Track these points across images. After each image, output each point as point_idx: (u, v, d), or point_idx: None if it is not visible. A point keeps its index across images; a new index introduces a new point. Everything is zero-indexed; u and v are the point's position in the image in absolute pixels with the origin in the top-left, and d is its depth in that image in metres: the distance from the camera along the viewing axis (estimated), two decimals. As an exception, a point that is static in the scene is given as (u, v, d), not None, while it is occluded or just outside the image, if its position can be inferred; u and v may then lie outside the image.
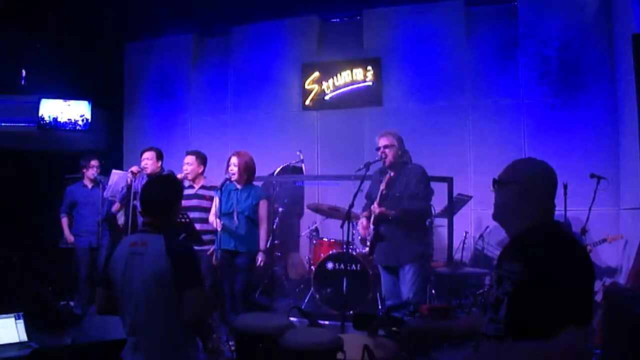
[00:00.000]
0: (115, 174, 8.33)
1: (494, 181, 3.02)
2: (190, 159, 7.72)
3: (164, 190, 3.94)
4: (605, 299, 5.47)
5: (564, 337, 2.47)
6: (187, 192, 7.60)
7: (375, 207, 6.24)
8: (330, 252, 8.40)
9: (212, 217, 7.33)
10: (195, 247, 6.15)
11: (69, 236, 8.70)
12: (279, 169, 9.93)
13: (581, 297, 2.55)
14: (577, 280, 2.55)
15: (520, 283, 2.68)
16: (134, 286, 3.62)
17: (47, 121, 10.64)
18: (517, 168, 2.99)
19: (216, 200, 7.28)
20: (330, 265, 8.26)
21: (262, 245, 7.23)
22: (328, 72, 10.71)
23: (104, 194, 8.29)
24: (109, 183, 8.24)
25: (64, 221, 8.76)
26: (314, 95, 10.78)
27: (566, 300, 2.52)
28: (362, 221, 6.53)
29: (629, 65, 7.38)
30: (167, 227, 3.85)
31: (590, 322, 2.62)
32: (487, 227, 8.97)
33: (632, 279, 6.55)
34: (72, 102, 10.83)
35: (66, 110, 10.77)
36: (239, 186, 7.26)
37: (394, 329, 3.49)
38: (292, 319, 4.75)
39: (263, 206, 7.30)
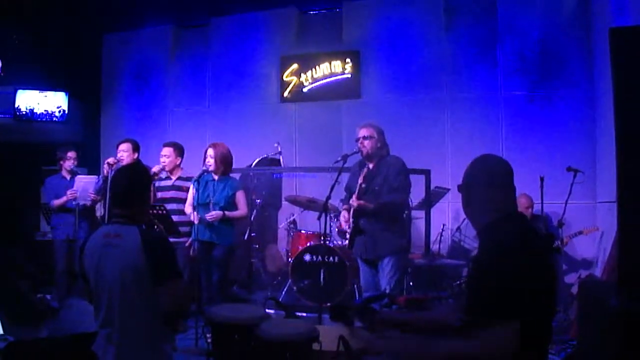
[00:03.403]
0: (81, 179, 8.23)
1: (458, 187, 3.16)
2: (167, 150, 7.70)
3: (131, 179, 3.85)
4: (581, 291, 5.50)
5: (484, 336, 2.55)
6: (164, 183, 7.61)
7: (354, 201, 6.24)
8: (308, 244, 8.42)
9: (188, 209, 7.32)
10: (172, 239, 6.15)
11: (67, 195, 8.38)
12: (256, 161, 9.91)
13: (513, 291, 2.58)
14: (508, 272, 2.60)
15: (473, 276, 2.77)
16: (108, 278, 3.57)
17: (24, 112, 10.58)
18: (465, 171, 3.12)
19: (192, 191, 7.28)
20: (307, 257, 8.26)
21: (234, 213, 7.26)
22: (307, 64, 10.72)
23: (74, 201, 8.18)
24: (75, 188, 8.13)
25: (58, 201, 8.48)
26: (293, 87, 10.79)
27: (494, 293, 2.58)
28: (344, 214, 6.53)
29: (606, 60, 7.42)
30: (141, 217, 3.81)
31: (520, 316, 2.61)
32: (464, 219, 8.99)
33: (607, 272, 6.59)
34: (48, 93, 10.79)
35: (43, 102, 10.71)
36: (215, 177, 7.25)
37: (366, 317, 3.50)
38: (269, 310, 4.75)
39: (240, 196, 7.29)
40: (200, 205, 7.05)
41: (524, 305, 2.58)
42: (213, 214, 6.97)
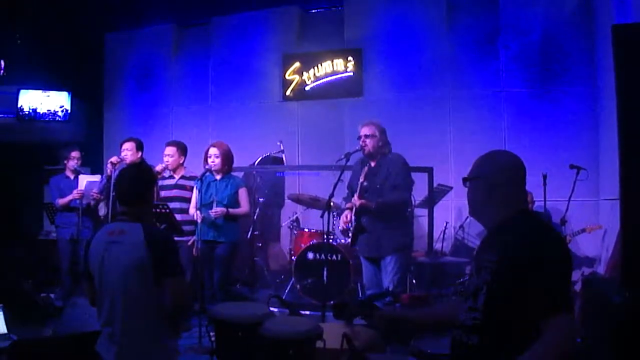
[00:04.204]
0: (84, 178, 8.26)
1: (464, 179, 3.07)
2: (171, 149, 7.69)
3: (135, 178, 3.88)
4: (584, 288, 5.50)
5: (554, 329, 2.49)
6: (167, 182, 7.61)
7: (355, 200, 6.25)
8: (311, 243, 8.43)
9: (192, 210, 7.34)
10: (176, 238, 6.16)
11: (76, 193, 8.43)
12: (259, 160, 9.94)
13: (559, 283, 2.56)
14: (551, 265, 2.56)
15: (497, 272, 2.70)
16: (111, 275, 3.58)
17: (26, 112, 10.57)
18: (482, 163, 3.02)
19: (195, 192, 7.30)
20: (310, 255, 8.27)
21: (237, 210, 7.30)
22: (309, 62, 10.71)
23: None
24: (79, 189, 8.16)
25: (63, 200, 8.49)
26: (295, 85, 10.78)
27: (544, 287, 2.53)
28: (346, 213, 6.53)
29: (609, 56, 7.40)
30: (144, 215, 3.82)
31: (573, 307, 2.62)
32: (467, 217, 8.98)
33: (610, 269, 6.58)
34: (51, 92, 10.78)
35: (45, 101, 10.71)
36: (218, 177, 7.27)
37: (367, 312, 3.49)
38: (272, 309, 4.75)
39: (242, 193, 7.33)
40: (204, 205, 7.07)
41: (556, 299, 2.55)
42: (217, 210, 7.00)
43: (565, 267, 2.64)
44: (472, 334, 2.78)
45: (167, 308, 3.57)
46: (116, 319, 3.56)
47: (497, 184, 2.89)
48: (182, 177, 7.68)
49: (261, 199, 9.64)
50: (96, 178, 8.32)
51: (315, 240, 8.49)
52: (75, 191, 8.13)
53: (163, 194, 7.58)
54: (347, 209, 6.56)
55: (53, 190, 8.52)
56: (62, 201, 8.28)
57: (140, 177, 3.89)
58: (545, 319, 2.50)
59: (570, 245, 8.40)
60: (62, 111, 10.81)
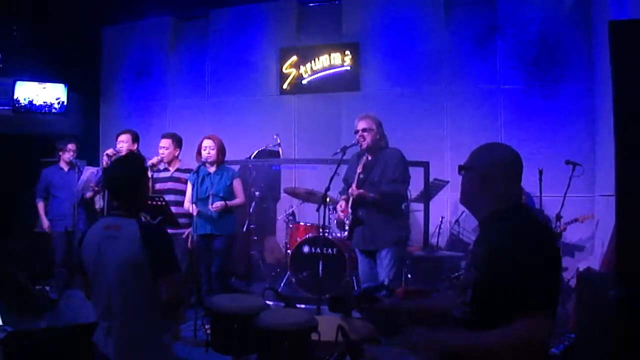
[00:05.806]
0: (88, 169, 8.30)
1: (459, 167, 3.05)
2: (166, 142, 7.70)
3: (124, 170, 3.81)
4: (579, 283, 5.51)
5: (510, 330, 2.51)
6: (162, 175, 7.64)
7: (353, 190, 6.23)
8: (307, 236, 8.45)
9: (187, 204, 7.36)
10: (171, 231, 6.16)
11: (44, 221, 8.59)
12: (255, 153, 9.91)
13: (536, 282, 2.54)
14: (532, 264, 2.55)
15: (482, 267, 2.70)
16: (107, 270, 3.56)
17: (23, 104, 10.54)
18: (478, 154, 3.01)
19: (190, 186, 7.32)
20: (306, 249, 8.30)
21: (234, 201, 7.37)
22: (306, 56, 10.71)
23: (76, 187, 8.24)
24: (82, 178, 8.18)
25: (40, 206, 8.60)
26: (292, 79, 10.78)
27: (519, 285, 2.53)
28: (341, 203, 6.53)
29: (606, 53, 7.40)
30: (138, 209, 3.79)
31: (550, 309, 2.60)
32: (463, 212, 8.99)
33: (606, 265, 6.60)
34: (48, 84, 10.75)
35: (42, 93, 10.68)
36: (211, 169, 7.29)
37: (365, 305, 3.49)
38: (268, 302, 4.74)
39: (237, 184, 7.41)
40: (200, 200, 7.08)
41: (541, 294, 2.55)
42: (217, 205, 7.02)
43: (547, 266, 2.61)
44: (462, 328, 2.80)
45: (163, 303, 3.56)
46: (113, 313, 3.55)
47: (490, 176, 2.88)
48: (177, 170, 7.69)
49: (257, 193, 9.64)
50: (95, 170, 8.36)
51: (311, 234, 8.52)
52: (45, 222, 8.57)
53: (158, 186, 7.59)
54: (343, 199, 6.56)
55: (41, 183, 8.57)
56: (40, 206, 8.61)
57: (126, 169, 3.81)
58: (516, 315, 2.51)
59: (563, 239, 8.43)
60: (59, 103, 10.79)
